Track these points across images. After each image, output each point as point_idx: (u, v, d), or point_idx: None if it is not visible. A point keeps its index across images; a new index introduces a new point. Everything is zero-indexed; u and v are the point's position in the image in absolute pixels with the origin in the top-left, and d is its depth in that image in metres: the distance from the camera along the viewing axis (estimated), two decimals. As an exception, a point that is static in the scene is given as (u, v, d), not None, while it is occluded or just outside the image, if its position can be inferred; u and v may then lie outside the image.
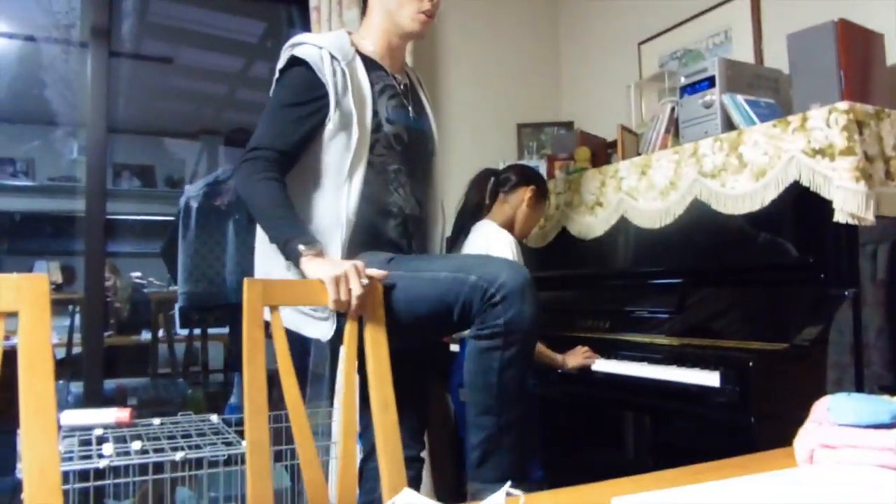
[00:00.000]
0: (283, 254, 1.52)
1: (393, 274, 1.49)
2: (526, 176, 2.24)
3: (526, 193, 2.22)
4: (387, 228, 1.70)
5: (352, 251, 1.60)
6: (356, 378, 1.34)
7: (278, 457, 1.77)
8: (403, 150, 1.73)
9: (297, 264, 1.49)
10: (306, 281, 1.42)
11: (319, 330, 1.60)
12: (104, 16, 2.71)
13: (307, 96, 1.61)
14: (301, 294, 1.38)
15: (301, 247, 1.46)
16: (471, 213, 2.22)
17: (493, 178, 2.28)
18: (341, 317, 1.50)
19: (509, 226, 2.20)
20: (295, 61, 1.64)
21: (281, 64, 1.67)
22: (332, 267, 1.39)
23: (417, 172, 1.77)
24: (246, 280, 1.21)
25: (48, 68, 4.20)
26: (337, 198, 1.63)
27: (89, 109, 2.67)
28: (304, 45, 1.65)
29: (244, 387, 1.15)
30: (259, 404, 1.14)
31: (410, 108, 1.76)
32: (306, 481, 1.19)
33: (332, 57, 1.63)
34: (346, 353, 1.31)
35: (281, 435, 1.75)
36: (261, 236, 1.66)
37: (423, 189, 1.80)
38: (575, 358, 2.07)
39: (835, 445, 0.97)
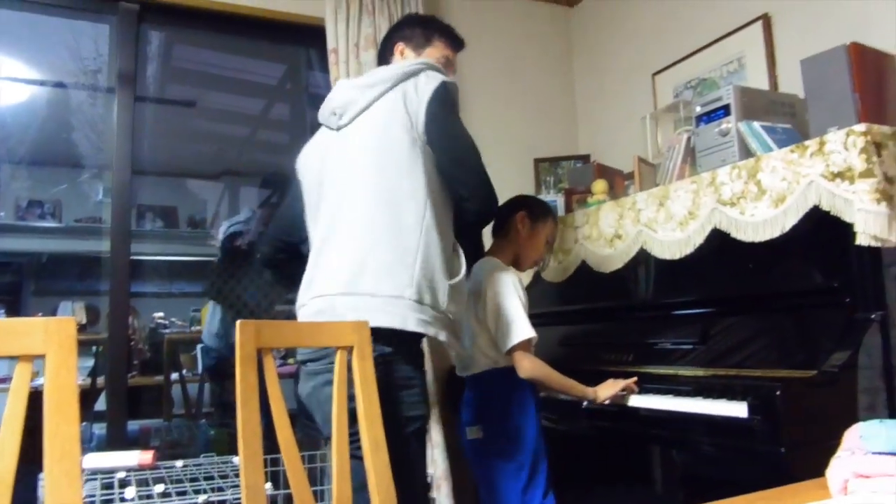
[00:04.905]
0: None
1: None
2: (512, 204, 2.20)
3: (518, 221, 2.17)
4: None
5: None
6: (346, 417, 1.33)
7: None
8: None
9: None
10: (298, 323, 1.44)
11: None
12: (130, 61, 2.78)
13: None
14: (293, 336, 1.38)
15: None
16: (472, 255, 2.18)
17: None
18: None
19: (514, 258, 2.18)
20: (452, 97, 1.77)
21: (434, 89, 1.72)
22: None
23: None
24: (239, 322, 1.20)
25: (76, 112, 4.31)
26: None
27: (115, 152, 2.73)
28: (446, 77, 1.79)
29: (238, 431, 1.13)
30: (254, 448, 1.13)
31: None
32: None
33: None
34: (335, 391, 1.30)
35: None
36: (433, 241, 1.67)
37: None
38: (606, 389, 2.00)
39: (869, 474, 0.95)
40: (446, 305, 1.66)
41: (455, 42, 2.01)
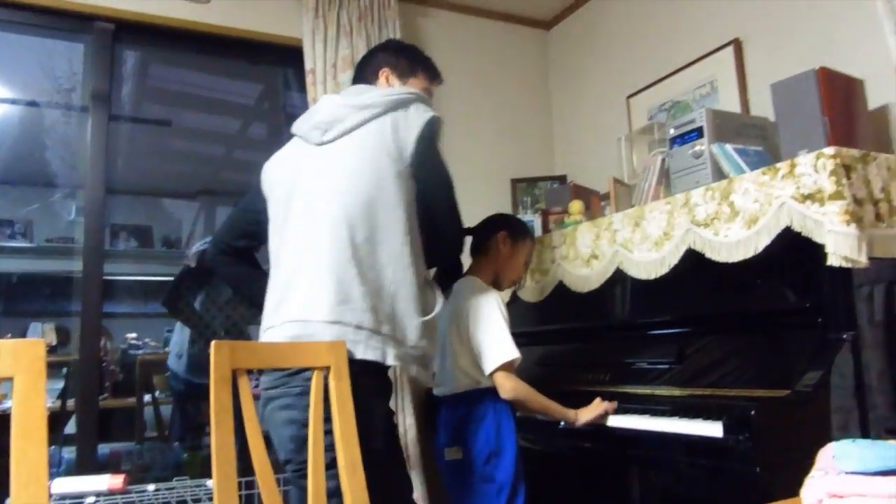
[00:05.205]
0: None
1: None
2: (493, 223, 2.21)
3: (500, 240, 2.17)
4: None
5: None
6: (322, 436, 1.32)
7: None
8: None
9: None
10: (273, 344, 1.44)
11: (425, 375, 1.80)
12: (105, 81, 2.76)
13: None
14: (269, 357, 1.37)
15: None
16: (450, 273, 2.19)
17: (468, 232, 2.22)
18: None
19: (494, 278, 2.18)
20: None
21: (424, 123, 1.75)
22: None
23: None
24: (213, 343, 1.20)
25: (49, 131, 4.26)
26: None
27: (88, 171, 2.70)
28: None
29: (212, 452, 1.12)
30: (227, 471, 1.11)
31: None
32: None
33: None
34: (312, 413, 1.29)
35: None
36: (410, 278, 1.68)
37: None
38: (589, 412, 2.00)
39: (843, 494, 0.95)
40: (416, 342, 1.68)
41: (436, 76, 2.06)
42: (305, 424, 1.38)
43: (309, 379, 1.43)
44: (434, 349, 1.81)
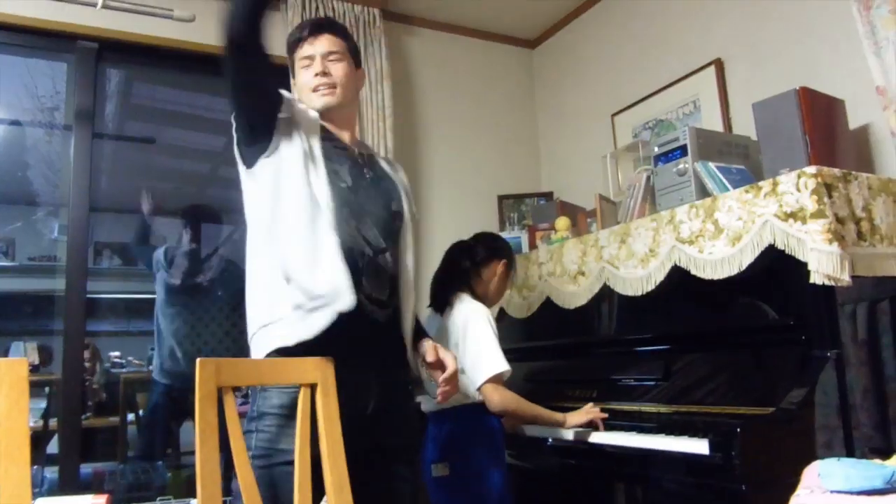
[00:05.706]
0: None
1: None
2: (497, 249, 2.25)
3: (498, 267, 2.23)
4: None
5: None
6: (308, 453, 1.30)
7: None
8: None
9: None
10: (258, 361, 1.41)
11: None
12: (88, 99, 2.75)
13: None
14: (254, 374, 1.35)
15: None
16: (447, 287, 2.21)
17: (465, 251, 2.26)
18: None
19: (484, 296, 2.21)
20: None
21: None
22: None
23: None
24: (199, 360, 1.19)
25: (31, 150, 4.23)
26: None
27: (71, 189, 2.68)
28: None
29: (197, 471, 1.11)
30: (212, 491, 1.10)
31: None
32: None
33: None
34: (299, 430, 1.28)
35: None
36: (263, 279, 1.52)
37: None
38: (578, 416, 2.03)
39: (828, 512, 0.96)
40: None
41: (301, 32, 1.78)
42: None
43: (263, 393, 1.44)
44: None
